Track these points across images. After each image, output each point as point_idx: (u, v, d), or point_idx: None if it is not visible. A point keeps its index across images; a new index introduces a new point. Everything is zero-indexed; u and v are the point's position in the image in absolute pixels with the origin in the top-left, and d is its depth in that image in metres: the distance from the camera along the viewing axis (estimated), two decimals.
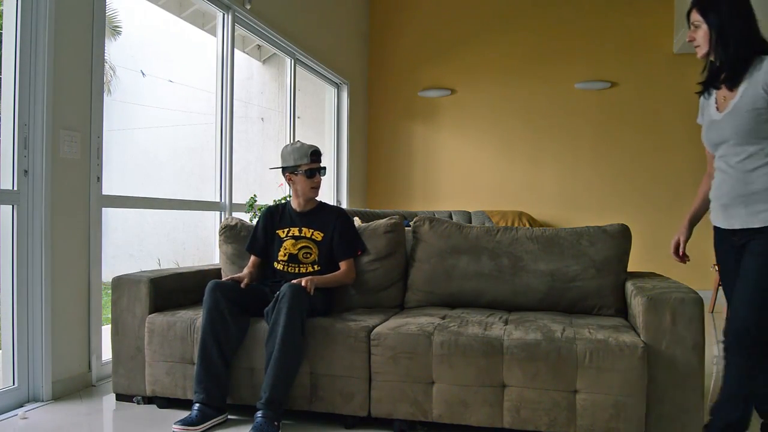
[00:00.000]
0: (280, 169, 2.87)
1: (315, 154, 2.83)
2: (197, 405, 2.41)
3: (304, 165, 2.79)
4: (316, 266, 2.80)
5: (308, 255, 2.80)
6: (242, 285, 2.65)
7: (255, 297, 2.64)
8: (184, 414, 2.42)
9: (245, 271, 2.82)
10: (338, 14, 6.41)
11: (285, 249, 2.81)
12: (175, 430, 2.32)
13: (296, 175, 2.80)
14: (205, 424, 2.37)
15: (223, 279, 2.74)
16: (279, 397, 2.37)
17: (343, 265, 2.83)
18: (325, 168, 2.88)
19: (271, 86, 8.61)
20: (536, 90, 6.84)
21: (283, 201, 3.18)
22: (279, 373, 2.36)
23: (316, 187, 2.85)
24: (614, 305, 2.72)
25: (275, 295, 2.48)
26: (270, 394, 2.34)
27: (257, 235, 2.90)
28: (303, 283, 2.50)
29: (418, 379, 2.34)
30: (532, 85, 6.85)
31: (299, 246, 2.80)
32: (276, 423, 2.33)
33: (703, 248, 6.34)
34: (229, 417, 2.51)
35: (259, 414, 2.33)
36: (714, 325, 4.88)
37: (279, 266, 2.81)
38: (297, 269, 2.79)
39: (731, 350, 1.96)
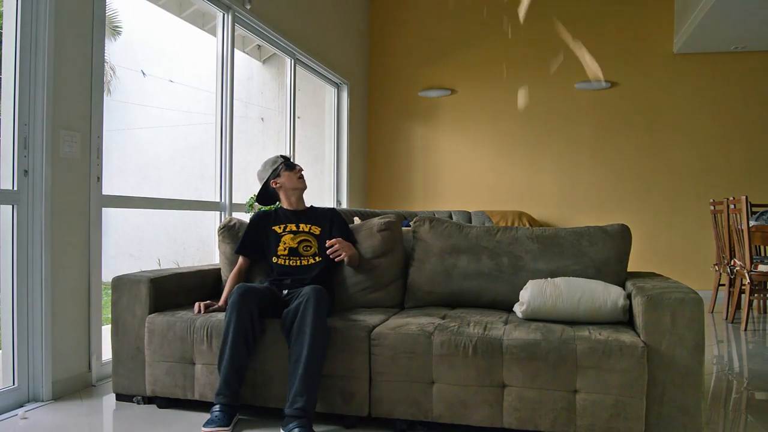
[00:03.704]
0: (266, 184, 2.97)
1: (283, 156, 2.99)
2: (220, 406, 2.35)
3: (280, 164, 2.93)
4: (317, 258, 2.82)
5: (308, 248, 2.84)
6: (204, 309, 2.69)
7: (271, 299, 2.60)
8: (184, 414, 2.43)
9: (222, 296, 2.81)
10: (338, 14, 6.41)
11: (284, 243, 2.84)
12: None
13: (279, 176, 2.92)
14: (231, 424, 2.34)
15: (198, 305, 2.70)
16: (313, 401, 2.30)
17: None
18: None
19: (271, 86, 8.60)
20: (536, 90, 6.85)
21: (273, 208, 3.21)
22: (312, 376, 2.29)
23: (301, 177, 2.96)
24: None
25: (297, 302, 2.42)
26: (306, 399, 2.25)
27: (248, 238, 2.92)
28: (337, 247, 2.67)
29: (418, 379, 2.34)
30: (532, 84, 6.85)
31: (299, 239, 2.83)
32: (313, 429, 2.26)
33: (703, 248, 6.37)
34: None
35: (294, 425, 2.21)
36: (714, 325, 4.88)
37: (279, 261, 2.81)
38: (298, 262, 2.80)
39: None
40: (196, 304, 2.69)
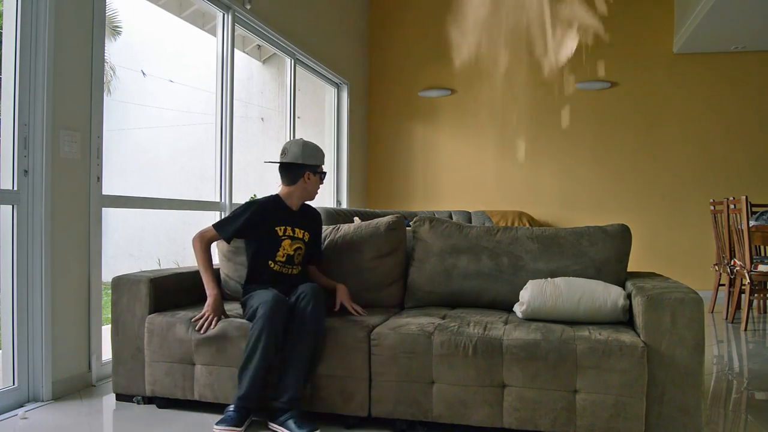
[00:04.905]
0: (300, 165, 2.73)
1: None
2: (235, 407, 2.35)
3: (322, 167, 2.84)
4: (302, 265, 2.82)
5: (299, 255, 2.79)
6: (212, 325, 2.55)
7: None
8: (183, 414, 2.43)
9: (210, 301, 2.60)
10: (338, 14, 6.41)
11: (284, 249, 2.74)
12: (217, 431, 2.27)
13: (315, 175, 2.79)
14: (244, 425, 2.34)
15: (209, 321, 2.55)
16: (302, 394, 2.40)
17: (316, 268, 2.89)
18: None
19: (271, 86, 8.61)
20: (536, 90, 6.85)
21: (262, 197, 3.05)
22: (304, 371, 2.38)
23: (317, 191, 2.89)
24: None
25: (295, 298, 2.48)
26: (295, 391, 2.35)
27: (244, 226, 2.70)
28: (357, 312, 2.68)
29: (418, 379, 2.34)
30: (532, 84, 6.85)
31: (295, 247, 2.77)
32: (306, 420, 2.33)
33: (703, 248, 6.37)
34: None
35: (288, 419, 2.31)
36: (714, 325, 4.88)
37: (276, 267, 2.73)
38: (290, 270, 2.76)
39: None
40: (205, 323, 2.53)
